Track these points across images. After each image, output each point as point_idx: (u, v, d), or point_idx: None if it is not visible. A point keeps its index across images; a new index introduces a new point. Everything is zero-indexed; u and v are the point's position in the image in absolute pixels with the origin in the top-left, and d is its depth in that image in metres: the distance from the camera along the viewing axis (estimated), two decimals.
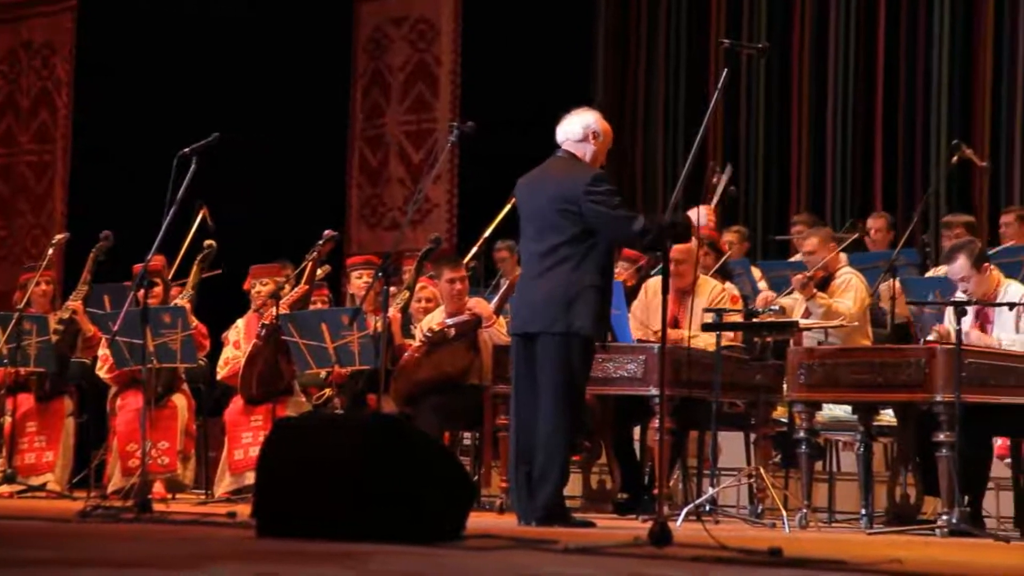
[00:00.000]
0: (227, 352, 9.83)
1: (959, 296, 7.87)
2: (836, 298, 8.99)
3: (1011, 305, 7.69)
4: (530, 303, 6.98)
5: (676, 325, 8.45)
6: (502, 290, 9.01)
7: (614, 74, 14.48)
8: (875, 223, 10.56)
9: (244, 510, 6.32)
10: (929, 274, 9.58)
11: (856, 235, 10.11)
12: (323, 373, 9.32)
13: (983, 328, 7.86)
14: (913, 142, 12.87)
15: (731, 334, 8.30)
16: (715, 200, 7.25)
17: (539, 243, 6.98)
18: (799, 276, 9.00)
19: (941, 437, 7.23)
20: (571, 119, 7.14)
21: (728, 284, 9.09)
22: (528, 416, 6.97)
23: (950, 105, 12.68)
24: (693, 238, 7.30)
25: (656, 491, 7.87)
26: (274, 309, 9.23)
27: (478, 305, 8.89)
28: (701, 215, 7.04)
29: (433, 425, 8.54)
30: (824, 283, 9.10)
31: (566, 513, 6.94)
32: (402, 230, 12.17)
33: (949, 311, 7.63)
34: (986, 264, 7.83)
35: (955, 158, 9.65)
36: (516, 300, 7.26)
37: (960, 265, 7.78)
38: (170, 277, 10.13)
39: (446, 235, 13.74)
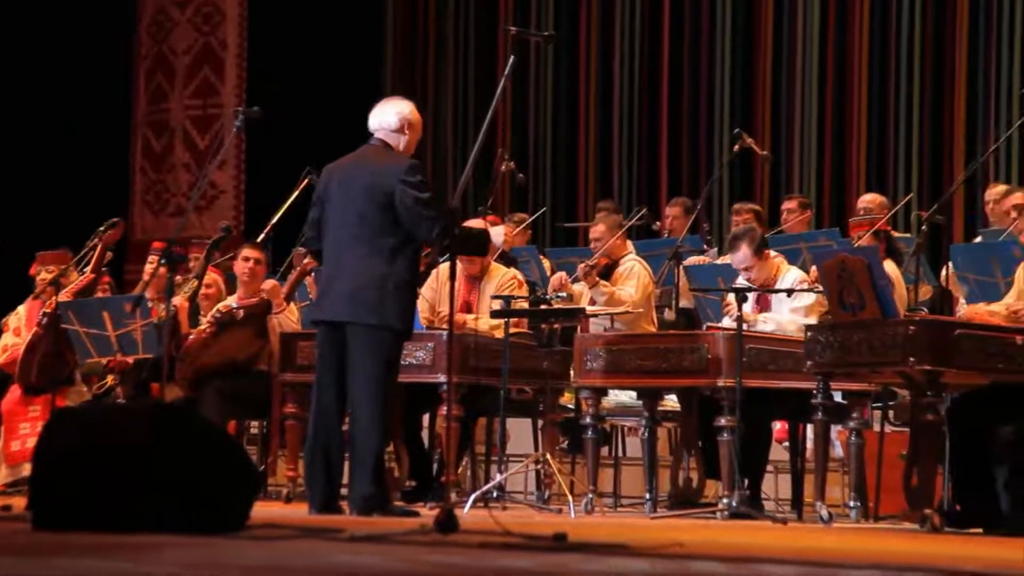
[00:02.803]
0: (6, 339, 9.59)
1: (741, 283, 8.03)
2: (619, 286, 9.08)
3: (789, 291, 7.87)
4: (341, 293, 6.90)
5: (469, 310, 8.48)
6: (292, 276, 8.93)
7: (403, 60, 14.47)
8: (671, 211, 10.69)
9: (20, 503, 6.15)
10: (721, 260, 9.73)
11: (643, 221, 10.22)
12: (104, 362, 9.13)
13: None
14: (697, 130, 13.12)
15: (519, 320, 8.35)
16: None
17: (351, 232, 6.89)
18: (582, 265, 9.08)
19: (723, 421, 7.38)
20: (386, 108, 7.04)
21: (515, 271, 9.14)
22: (329, 404, 6.92)
23: (732, 95, 12.96)
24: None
25: (444, 478, 7.88)
26: (55, 297, 9.02)
27: (272, 290, 8.76)
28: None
29: (218, 411, 8.42)
30: (609, 270, 9.20)
31: (387, 503, 6.90)
32: (186, 216, 11.99)
33: (731, 297, 7.78)
34: (767, 251, 8.02)
35: (736, 147, 9.84)
36: (324, 288, 7.15)
37: (743, 254, 7.95)
38: None
39: (233, 222, 13.59)
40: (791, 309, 7.88)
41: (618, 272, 9.16)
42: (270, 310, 8.72)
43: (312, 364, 8.04)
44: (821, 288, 7.44)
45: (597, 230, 9.33)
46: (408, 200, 6.78)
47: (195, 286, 9.25)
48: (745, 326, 7.45)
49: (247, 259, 8.84)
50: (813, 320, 7.78)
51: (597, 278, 9.00)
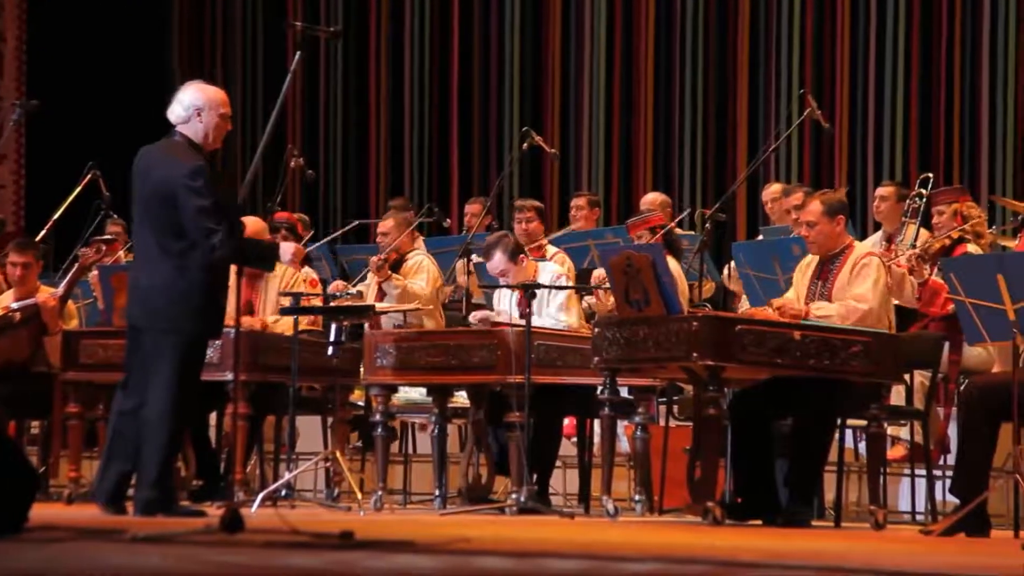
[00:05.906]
0: None
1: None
2: (409, 279, 9.14)
3: (581, 288, 7.97)
4: (137, 296, 6.77)
5: (251, 309, 8.38)
6: (71, 274, 8.73)
7: (190, 51, 14.28)
8: (471, 208, 10.76)
9: None
10: None
11: (433, 219, 10.24)
12: None
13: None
14: (487, 128, 13.21)
15: (309, 318, 8.30)
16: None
17: (147, 231, 6.74)
18: (375, 259, 9.12)
19: (512, 418, 7.43)
20: (175, 100, 6.84)
21: (305, 268, 9.08)
22: (126, 404, 6.78)
23: (521, 93, 13.07)
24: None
25: (232, 477, 7.80)
26: None
27: (50, 312, 8.52)
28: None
29: None
30: (397, 265, 9.25)
31: (171, 504, 6.77)
32: None
33: (507, 294, 7.86)
34: (521, 256, 8.12)
35: (525, 145, 9.92)
36: (128, 289, 6.99)
37: (498, 259, 8.05)
38: None
39: (14, 217, 13.28)
40: (556, 308, 8.00)
41: (407, 266, 9.25)
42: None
43: (95, 363, 7.94)
44: (608, 285, 7.54)
45: (385, 225, 9.42)
46: (189, 208, 6.63)
47: None
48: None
49: (14, 264, 8.61)
50: (574, 316, 7.93)
51: (389, 271, 9.06)
